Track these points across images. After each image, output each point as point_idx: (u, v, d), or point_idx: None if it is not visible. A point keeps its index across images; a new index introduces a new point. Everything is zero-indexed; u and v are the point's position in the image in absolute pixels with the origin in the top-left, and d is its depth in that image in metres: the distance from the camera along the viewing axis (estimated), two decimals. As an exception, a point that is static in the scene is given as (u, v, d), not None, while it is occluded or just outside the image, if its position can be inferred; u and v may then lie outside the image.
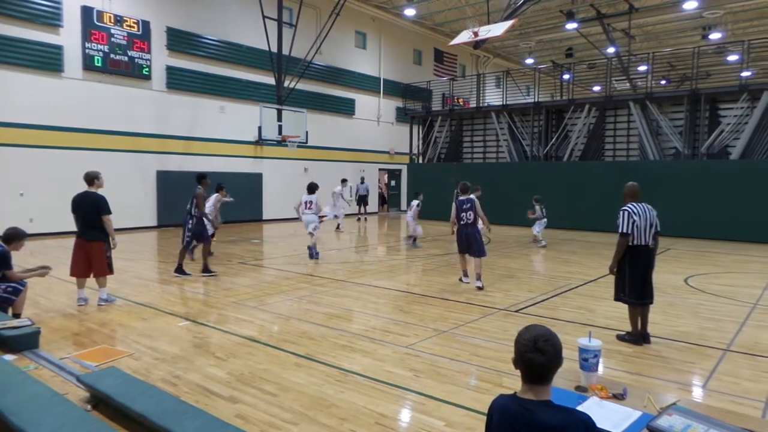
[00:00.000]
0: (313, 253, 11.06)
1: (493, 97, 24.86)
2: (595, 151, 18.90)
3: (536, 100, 20.49)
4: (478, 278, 8.24)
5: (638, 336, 5.47)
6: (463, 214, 8.37)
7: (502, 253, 12.49)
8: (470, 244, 8.37)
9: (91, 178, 6.91)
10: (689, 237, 15.14)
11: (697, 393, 4.33)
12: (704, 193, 15.34)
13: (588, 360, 2.75)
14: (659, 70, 22.15)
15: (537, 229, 13.95)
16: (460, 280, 8.77)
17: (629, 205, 5.45)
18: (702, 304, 7.35)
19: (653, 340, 5.50)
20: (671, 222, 15.61)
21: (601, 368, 3.61)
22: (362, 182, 22.30)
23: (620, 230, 5.40)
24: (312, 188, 11.16)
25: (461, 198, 8.58)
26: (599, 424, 1.84)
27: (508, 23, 17.21)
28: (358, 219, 21.48)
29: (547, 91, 27.93)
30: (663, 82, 24.79)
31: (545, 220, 14.03)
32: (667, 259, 11.44)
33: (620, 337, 5.57)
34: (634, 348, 5.34)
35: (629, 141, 18.27)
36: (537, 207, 13.91)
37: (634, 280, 5.45)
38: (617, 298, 5.65)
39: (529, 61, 31.62)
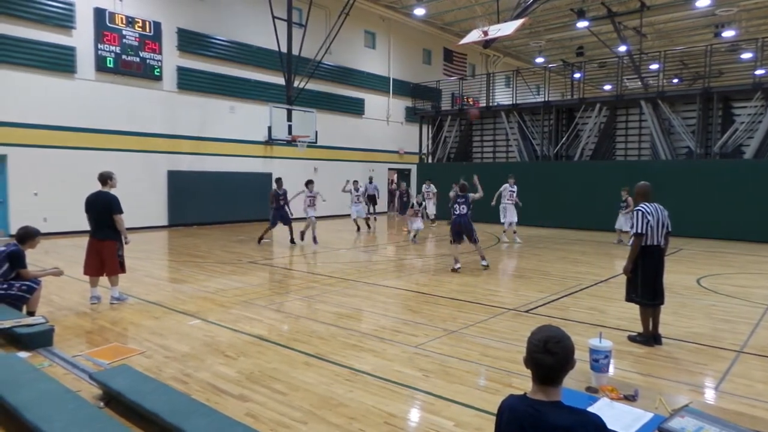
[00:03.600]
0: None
1: (503, 96, 24.76)
2: (606, 150, 18.76)
3: (546, 99, 20.36)
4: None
5: (650, 337, 5.43)
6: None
7: (511, 253, 12.44)
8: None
9: (105, 178, 7.00)
10: (702, 237, 14.98)
11: (710, 395, 4.29)
12: (717, 192, 15.17)
13: (599, 361, 2.74)
14: (671, 68, 21.95)
15: (624, 224, 13.33)
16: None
17: (642, 205, 5.42)
18: (715, 305, 7.27)
19: (665, 341, 5.46)
20: (684, 222, 15.44)
21: (612, 369, 3.59)
22: (371, 182, 22.30)
23: (635, 231, 5.36)
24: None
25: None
26: (610, 426, 1.83)
27: (518, 22, 17.13)
28: (367, 218, 21.46)
29: (558, 90, 27.76)
30: (675, 80, 24.55)
31: (622, 215, 13.59)
32: (679, 260, 11.34)
33: (631, 338, 5.52)
34: (646, 349, 5.30)
35: (641, 140, 18.10)
36: (627, 198, 13.42)
37: (646, 281, 5.41)
38: (629, 299, 5.61)
39: (540, 60, 31.45)
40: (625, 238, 13.41)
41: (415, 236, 13.90)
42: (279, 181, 13.83)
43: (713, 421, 2.22)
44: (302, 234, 13.81)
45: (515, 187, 14.17)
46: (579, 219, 17.19)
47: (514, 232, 14.21)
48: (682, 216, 15.36)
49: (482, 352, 5.16)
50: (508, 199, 14.02)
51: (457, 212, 9.59)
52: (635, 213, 5.39)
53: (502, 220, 14.35)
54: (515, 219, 14.00)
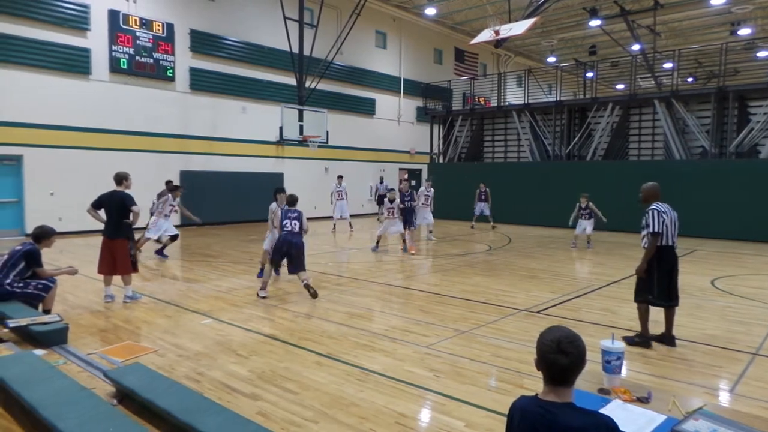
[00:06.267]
0: None
1: (514, 96, 24.65)
2: (619, 150, 18.60)
3: (558, 98, 20.24)
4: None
5: (648, 338, 5.33)
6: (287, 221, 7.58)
7: (523, 253, 12.39)
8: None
9: (120, 179, 7.09)
10: (717, 238, 14.80)
11: (725, 397, 4.24)
12: (732, 192, 14.98)
13: (611, 362, 2.72)
14: (685, 67, 21.69)
15: (589, 227, 13.17)
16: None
17: (657, 205, 5.33)
18: (730, 307, 7.18)
19: (679, 342, 5.40)
20: (698, 223, 15.28)
21: (624, 371, 3.56)
22: (381, 182, 22.30)
23: (651, 230, 5.24)
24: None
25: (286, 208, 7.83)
26: (623, 428, 1.81)
27: (530, 21, 17.06)
28: (378, 219, 21.50)
29: (570, 90, 27.59)
30: (689, 79, 24.27)
31: (586, 221, 13.19)
32: (693, 261, 11.20)
33: (629, 341, 5.30)
34: (659, 351, 5.25)
35: (654, 140, 17.92)
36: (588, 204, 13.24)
37: (661, 281, 5.33)
38: (642, 299, 5.47)
39: (552, 59, 31.27)
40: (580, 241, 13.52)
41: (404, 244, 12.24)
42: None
43: (728, 424, 2.19)
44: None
45: (431, 190, 14.37)
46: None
47: (430, 232, 14.57)
48: (696, 216, 15.22)
49: (493, 353, 5.14)
50: (423, 203, 14.15)
51: (288, 228, 7.51)
52: (651, 212, 5.29)
53: (417, 222, 14.26)
54: (431, 221, 14.37)
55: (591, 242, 13.47)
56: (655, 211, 5.27)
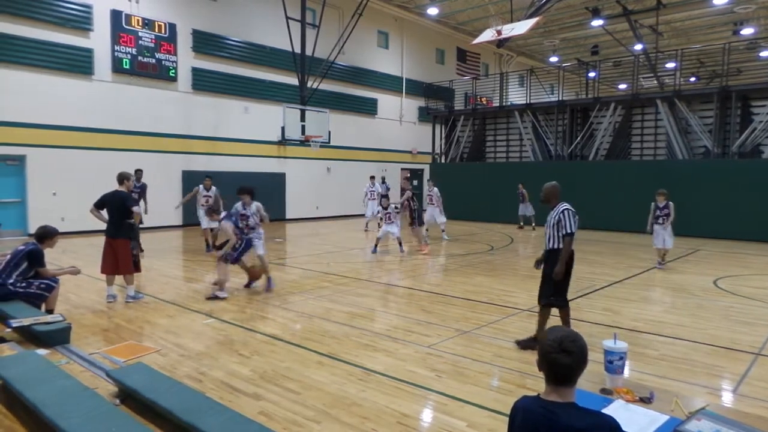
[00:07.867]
0: None
1: (516, 95, 24.62)
2: (622, 150, 18.56)
3: (560, 98, 20.20)
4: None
5: None
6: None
7: (525, 253, 12.37)
8: None
9: (122, 179, 7.14)
10: (719, 238, 14.75)
11: (727, 398, 4.23)
12: (735, 192, 14.94)
13: (613, 362, 2.72)
14: (688, 66, 21.61)
15: (669, 239, 9.69)
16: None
17: (567, 204, 5.28)
18: (732, 307, 7.16)
19: (681, 342, 5.39)
20: (700, 222, 15.25)
21: (626, 371, 3.55)
22: (383, 182, 22.28)
23: (567, 230, 5.15)
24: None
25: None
26: (625, 428, 1.81)
27: (532, 21, 17.03)
28: (381, 218, 21.51)
29: (572, 90, 27.52)
30: (692, 79, 24.20)
31: (662, 227, 9.54)
32: (696, 261, 11.18)
33: (523, 344, 5.20)
34: (660, 351, 5.24)
35: (656, 140, 17.89)
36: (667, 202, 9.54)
37: (569, 281, 5.30)
38: (558, 303, 5.30)
39: (554, 59, 31.20)
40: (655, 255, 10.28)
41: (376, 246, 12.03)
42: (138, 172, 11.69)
43: (731, 425, 2.19)
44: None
45: (434, 189, 14.36)
46: (593, 219, 16.99)
47: (427, 230, 14.30)
48: (698, 216, 15.18)
49: (495, 353, 5.13)
50: (428, 202, 14.25)
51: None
52: (567, 212, 5.21)
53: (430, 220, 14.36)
54: (436, 220, 14.20)
55: (665, 261, 10.04)
56: (570, 212, 5.21)
